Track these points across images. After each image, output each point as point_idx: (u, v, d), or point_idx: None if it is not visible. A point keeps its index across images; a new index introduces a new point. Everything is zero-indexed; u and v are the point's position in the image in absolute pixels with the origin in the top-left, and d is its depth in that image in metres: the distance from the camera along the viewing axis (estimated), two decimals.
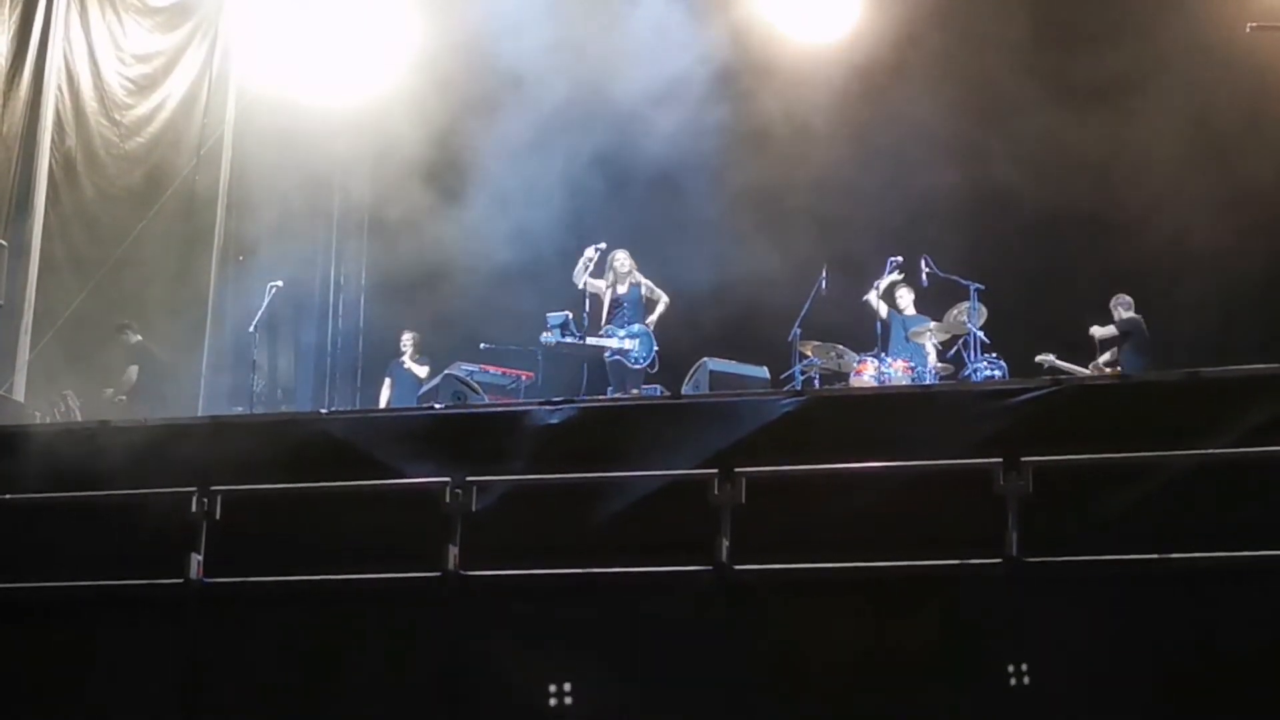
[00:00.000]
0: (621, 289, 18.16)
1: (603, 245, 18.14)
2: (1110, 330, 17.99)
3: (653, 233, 19.82)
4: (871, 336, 18.15)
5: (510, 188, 20.92)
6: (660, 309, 18.21)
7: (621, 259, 18.26)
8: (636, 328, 17.88)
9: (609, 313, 18.07)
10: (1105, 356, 18.06)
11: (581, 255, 18.03)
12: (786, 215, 19.76)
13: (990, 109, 18.92)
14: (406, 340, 20.09)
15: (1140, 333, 17.91)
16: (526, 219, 20.21)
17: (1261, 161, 18.03)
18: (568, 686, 10.29)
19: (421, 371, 19.73)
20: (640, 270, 18.38)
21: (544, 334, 17.67)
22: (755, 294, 19.23)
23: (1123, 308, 18.22)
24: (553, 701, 10.29)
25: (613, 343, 17.76)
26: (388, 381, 19.49)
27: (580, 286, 18.14)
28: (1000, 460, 10.03)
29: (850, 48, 20.02)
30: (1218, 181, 18.33)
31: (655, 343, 17.95)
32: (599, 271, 18.20)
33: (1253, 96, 18.31)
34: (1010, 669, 9.70)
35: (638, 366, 17.78)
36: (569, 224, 20.01)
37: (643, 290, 18.22)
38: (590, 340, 17.81)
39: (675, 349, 18.56)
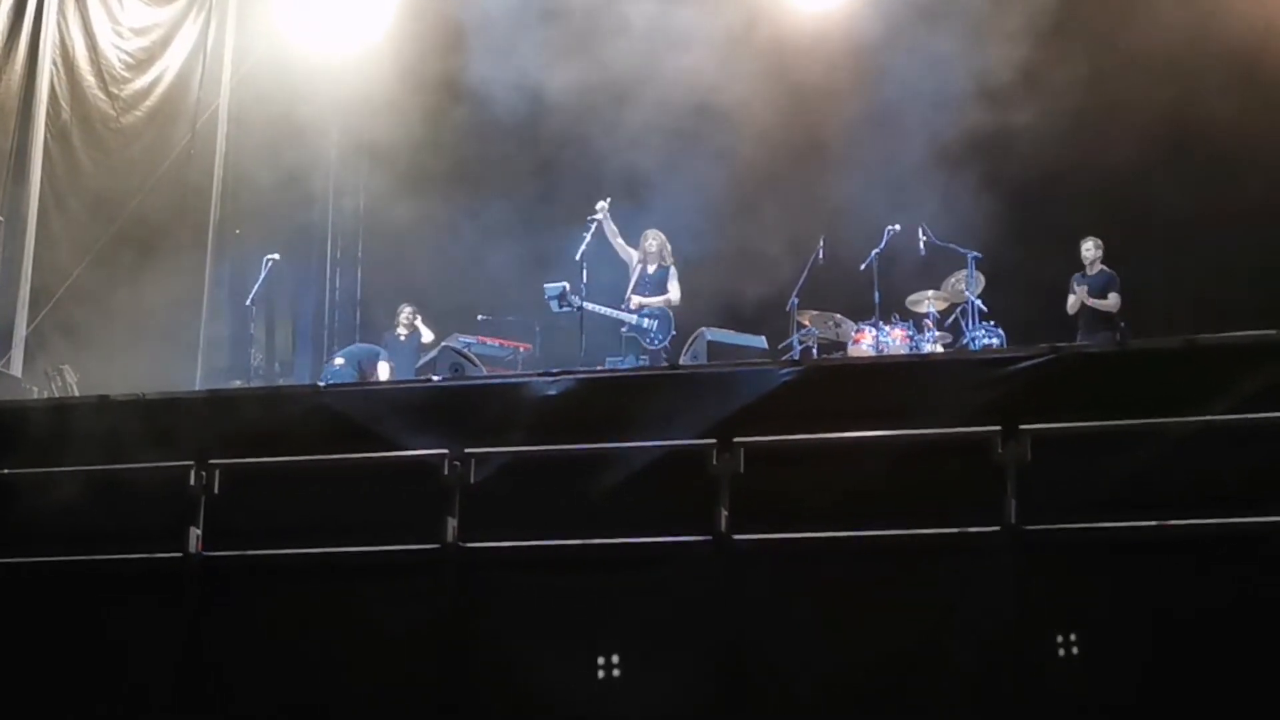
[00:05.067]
0: (651, 268, 18.09)
1: (609, 200, 18.02)
2: (1110, 305, 17.97)
3: (649, 202, 19.78)
4: (869, 306, 18.15)
5: (509, 158, 20.97)
6: (669, 297, 18.14)
7: (651, 238, 18.19)
8: (658, 309, 17.81)
9: (635, 285, 18.01)
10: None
11: (594, 218, 17.84)
12: (783, 185, 19.75)
13: (989, 74, 18.86)
14: (406, 312, 20.08)
15: (1119, 284, 18.12)
16: (523, 189, 20.26)
17: (1257, 124, 18.01)
18: (569, 657, 10.31)
19: (428, 336, 19.73)
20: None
21: (569, 296, 17.51)
22: (753, 264, 19.23)
23: (1100, 253, 18.24)
24: (554, 672, 10.31)
25: (632, 319, 17.72)
26: (385, 367, 19.18)
27: (615, 244, 18.04)
28: (999, 428, 10.02)
29: (848, 14, 20.01)
30: (1212, 144, 18.35)
31: (674, 326, 17.89)
32: (632, 242, 18.19)
33: (1246, 52, 18.26)
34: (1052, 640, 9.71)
35: (653, 347, 17.76)
36: (565, 192, 20.04)
37: (669, 276, 18.09)
38: (612, 312, 17.76)
39: (674, 319, 18.58)
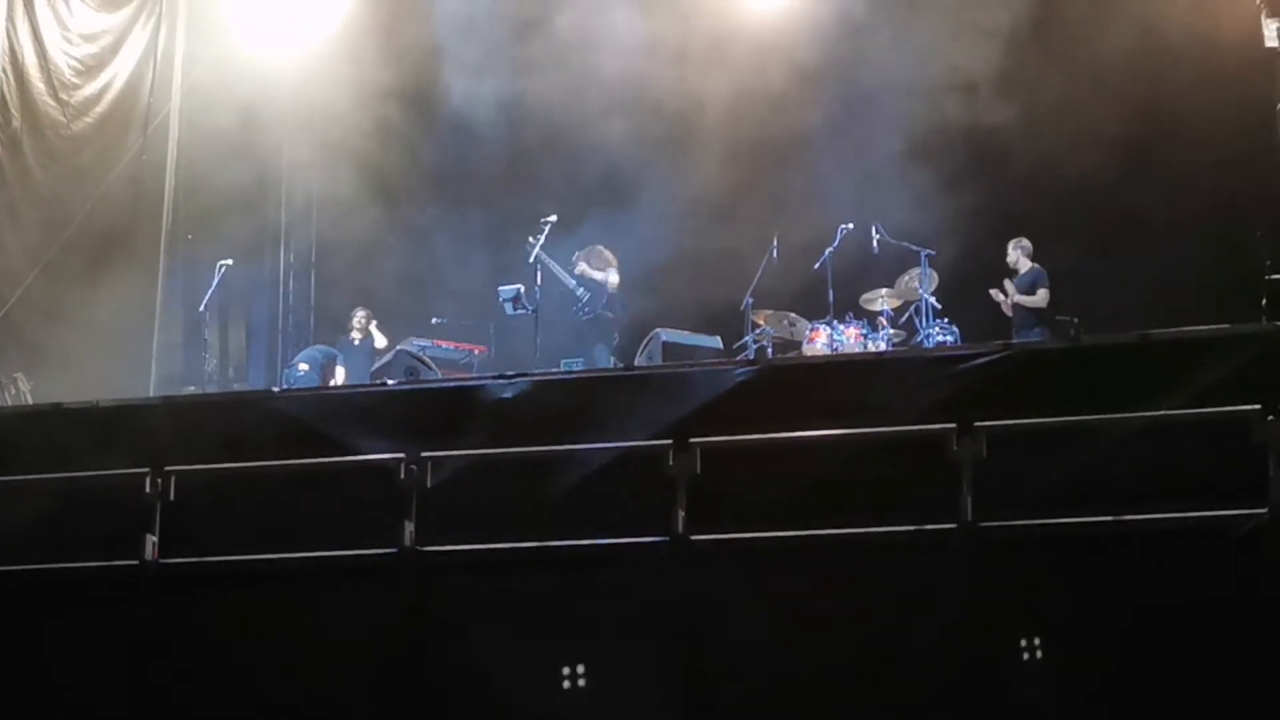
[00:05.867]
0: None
1: (553, 218, 18.18)
2: (1038, 300, 18.10)
3: (604, 204, 19.81)
4: (823, 304, 18.19)
5: (460, 160, 20.97)
6: (608, 277, 18.66)
7: (580, 260, 18.87)
8: (594, 282, 18.25)
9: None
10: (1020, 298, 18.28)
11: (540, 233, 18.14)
12: (736, 185, 19.77)
13: (940, 76, 18.92)
14: (360, 316, 20.08)
15: (1047, 280, 18.26)
16: (474, 193, 20.27)
17: (1204, 123, 18.09)
18: (529, 660, 10.31)
19: (381, 341, 19.72)
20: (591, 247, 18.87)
21: (523, 298, 18.04)
22: (706, 264, 19.27)
23: (1024, 253, 18.39)
24: (514, 675, 10.30)
25: (571, 284, 18.53)
26: (340, 371, 19.22)
27: (577, 272, 18.73)
28: (953, 425, 10.05)
29: (800, 15, 20.03)
30: (1165, 144, 18.45)
31: (611, 304, 18.18)
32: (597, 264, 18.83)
33: (1200, 59, 18.34)
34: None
35: (581, 317, 18.08)
36: (521, 196, 20.06)
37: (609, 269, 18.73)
38: (560, 271, 18.55)
39: (628, 320, 18.62)
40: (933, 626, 9.84)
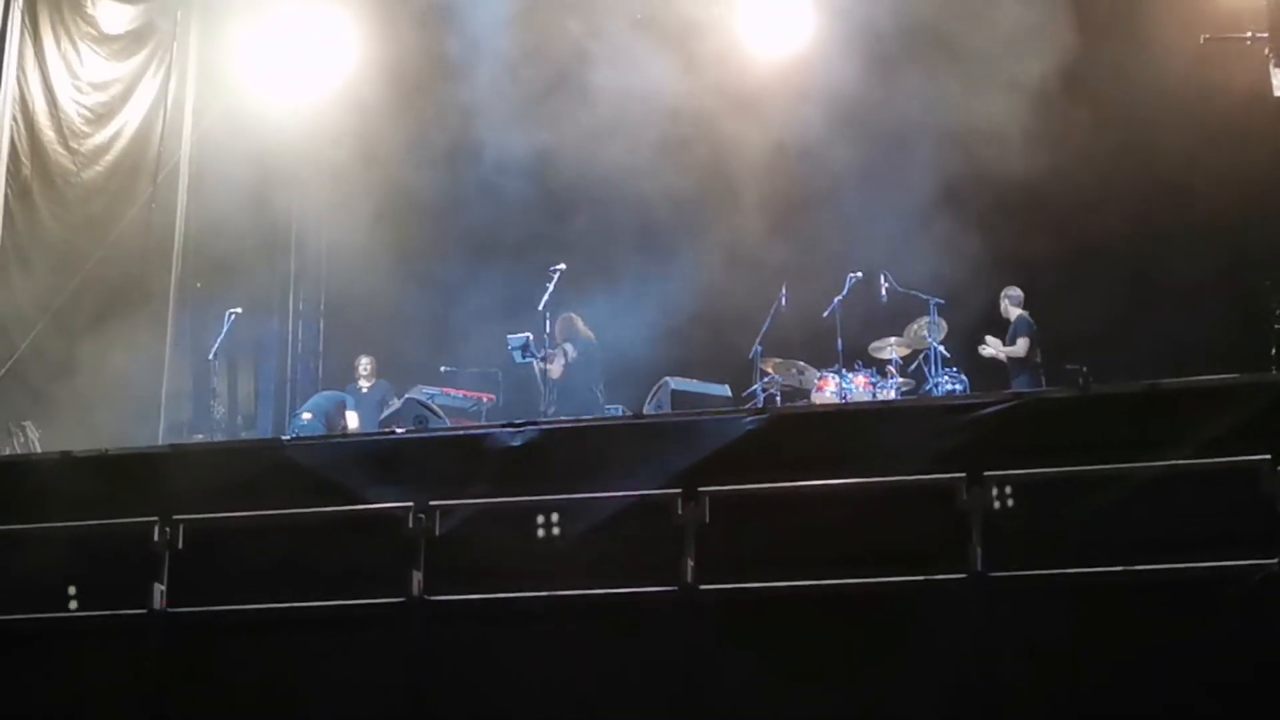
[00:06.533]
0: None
1: (561, 267, 18.18)
2: (1016, 350, 18.17)
3: (612, 253, 19.85)
4: (832, 353, 18.19)
5: (469, 210, 21.01)
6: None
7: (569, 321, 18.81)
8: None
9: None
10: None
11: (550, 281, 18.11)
12: (745, 234, 19.78)
13: (949, 122, 18.94)
14: (365, 364, 20.13)
15: (1028, 329, 18.33)
16: (483, 241, 20.30)
17: (1214, 173, 18.09)
18: (537, 709, 10.28)
19: (376, 394, 19.75)
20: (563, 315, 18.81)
21: (532, 347, 18.21)
22: (716, 312, 19.28)
23: (1011, 302, 18.47)
24: None
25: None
26: (352, 415, 19.25)
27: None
28: (963, 475, 10.04)
29: (812, 61, 20.05)
30: (1170, 194, 18.46)
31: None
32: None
33: (1203, 107, 18.37)
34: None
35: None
36: (529, 245, 20.09)
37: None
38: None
39: (637, 368, 18.61)
40: (942, 676, 9.80)
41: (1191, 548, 9.65)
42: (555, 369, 18.34)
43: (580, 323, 18.68)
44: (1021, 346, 18.20)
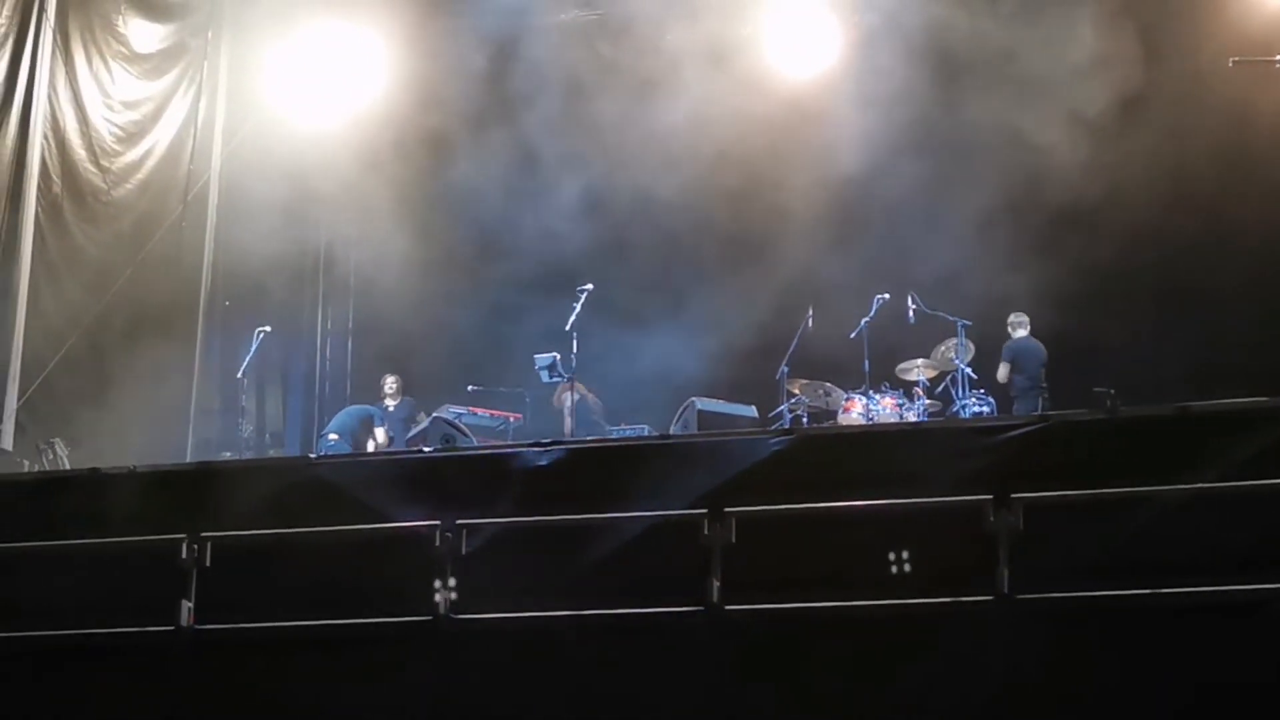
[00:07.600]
0: None
1: (589, 286, 18.16)
2: (999, 376, 18.23)
3: (639, 275, 19.87)
4: (858, 374, 18.17)
5: (497, 230, 21.04)
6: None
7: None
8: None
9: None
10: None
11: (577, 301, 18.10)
12: (772, 254, 19.78)
13: (977, 144, 18.93)
14: (390, 382, 20.18)
15: (1025, 354, 18.36)
16: (514, 260, 20.33)
17: (1243, 196, 18.07)
18: None
19: (402, 412, 19.80)
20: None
21: (559, 367, 18.25)
22: (742, 332, 19.27)
23: (1009, 327, 18.48)
24: None
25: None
26: (379, 430, 19.32)
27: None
28: (990, 497, 10.02)
29: (833, 87, 20.06)
30: (1202, 216, 18.42)
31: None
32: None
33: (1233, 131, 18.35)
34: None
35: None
36: (557, 266, 20.10)
37: None
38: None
39: (663, 389, 18.60)
40: (969, 699, 9.78)
41: (1221, 571, 9.61)
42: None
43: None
44: (1002, 372, 18.28)
